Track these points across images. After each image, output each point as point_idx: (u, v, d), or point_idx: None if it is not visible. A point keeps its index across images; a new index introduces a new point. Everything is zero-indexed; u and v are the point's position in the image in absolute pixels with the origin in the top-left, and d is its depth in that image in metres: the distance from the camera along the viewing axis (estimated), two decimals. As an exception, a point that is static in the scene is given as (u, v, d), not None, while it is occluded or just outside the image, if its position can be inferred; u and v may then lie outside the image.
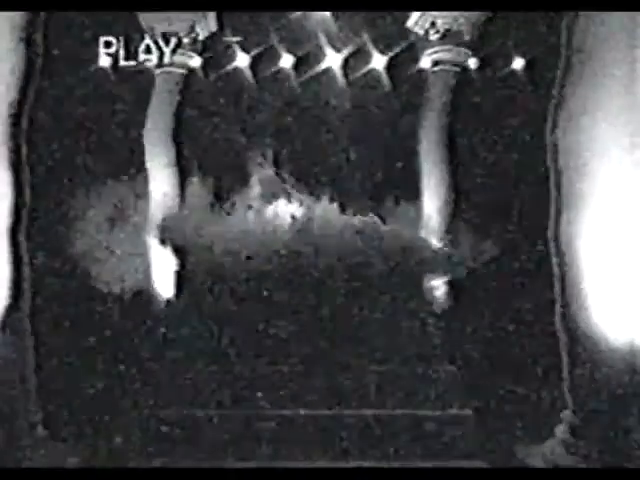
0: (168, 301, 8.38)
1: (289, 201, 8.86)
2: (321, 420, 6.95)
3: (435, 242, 8.64)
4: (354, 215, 8.71)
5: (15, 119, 5.86)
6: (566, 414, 6.22)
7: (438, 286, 8.57)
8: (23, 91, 5.93)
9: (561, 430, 6.24)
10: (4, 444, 5.64)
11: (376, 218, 8.59)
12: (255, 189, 8.91)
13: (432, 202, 9.32)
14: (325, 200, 8.97)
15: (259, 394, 7.01)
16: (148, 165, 9.64)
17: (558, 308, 6.29)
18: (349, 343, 7.58)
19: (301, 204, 8.86)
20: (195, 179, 8.95)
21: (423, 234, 8.71)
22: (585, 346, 5.97)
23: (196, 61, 9.87)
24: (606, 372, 5.84)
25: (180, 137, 9.41)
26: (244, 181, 8.92)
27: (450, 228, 8.93)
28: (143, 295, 8.56)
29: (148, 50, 9.51)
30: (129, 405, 7.29)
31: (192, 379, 7.28)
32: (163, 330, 7.81)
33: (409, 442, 6.97)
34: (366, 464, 6.38)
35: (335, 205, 8.94)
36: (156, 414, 6.92)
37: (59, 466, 5.91)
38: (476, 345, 8.18)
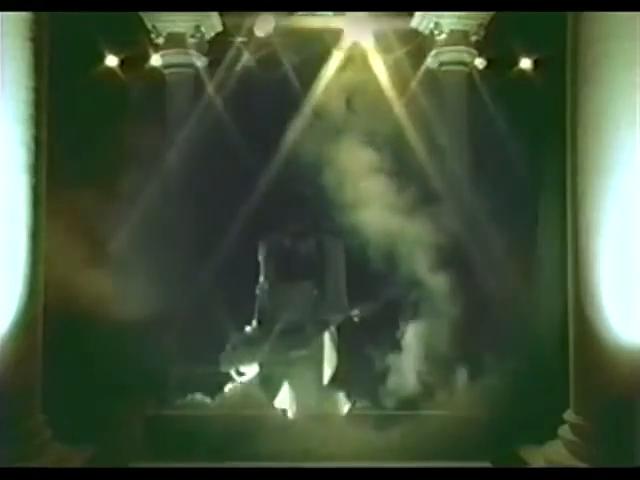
0: None
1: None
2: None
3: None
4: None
5: (29, 119, 5.88)
6: (569, 414, 6.18)
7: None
8: (33, 91, 5.94)
9: (564, 430, 6.21)
10: (8, 444, 5.65)
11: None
12: None
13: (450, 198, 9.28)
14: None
15: None
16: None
17: (570, 308, 6.25)
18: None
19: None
20: None
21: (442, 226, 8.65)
22: (591, 347, 5.93)
23: (203, 61, 9.89)
24: (610, 373, 5.79)
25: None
26: None
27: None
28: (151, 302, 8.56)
29: (154, 50, 9.57)
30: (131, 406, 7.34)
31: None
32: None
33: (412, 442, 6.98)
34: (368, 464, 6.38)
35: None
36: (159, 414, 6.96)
37: (62, 466, 5.92)
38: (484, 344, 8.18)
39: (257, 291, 8.90)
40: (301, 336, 8.31)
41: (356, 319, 8.62)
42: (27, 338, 5.89)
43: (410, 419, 7.49)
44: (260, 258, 8.96)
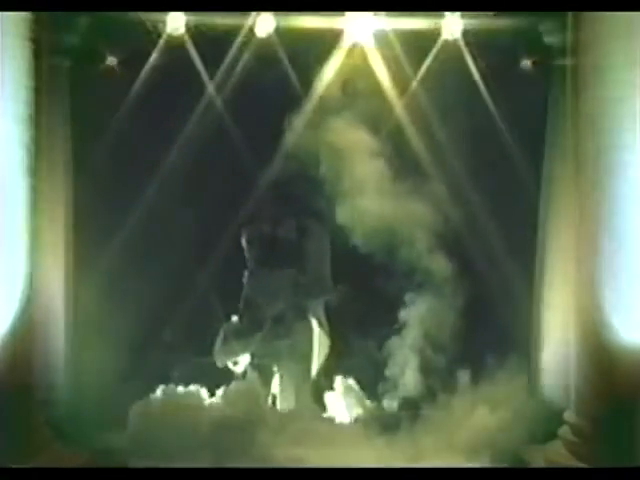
0: None
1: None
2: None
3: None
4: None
5: (29, 120, 5.88)
6: (569, 414, 6.19)
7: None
8: (33, 91, 5.95)
9: (564, 430, 6.21)
10: (8, 444, 5.65)
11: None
12: None
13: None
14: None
15: None
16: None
17: (570, 307, 6.25)
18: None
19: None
20: None
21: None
22: (591, 347, 5.93)
23: (202, 61, 9.87)
24: (610, 373, 5.79)
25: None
26: None
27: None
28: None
29: (154, 50, 9.55)
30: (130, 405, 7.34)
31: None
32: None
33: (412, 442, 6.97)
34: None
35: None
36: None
37: (62, 466, 5.92)
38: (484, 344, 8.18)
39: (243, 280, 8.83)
40: (286, 325, 8.25)
41: (343, 303, 8.52)
42: (27, 338, 5.89)
43: (410, 419, 7.50)
44: (244, 246, 8.86)
